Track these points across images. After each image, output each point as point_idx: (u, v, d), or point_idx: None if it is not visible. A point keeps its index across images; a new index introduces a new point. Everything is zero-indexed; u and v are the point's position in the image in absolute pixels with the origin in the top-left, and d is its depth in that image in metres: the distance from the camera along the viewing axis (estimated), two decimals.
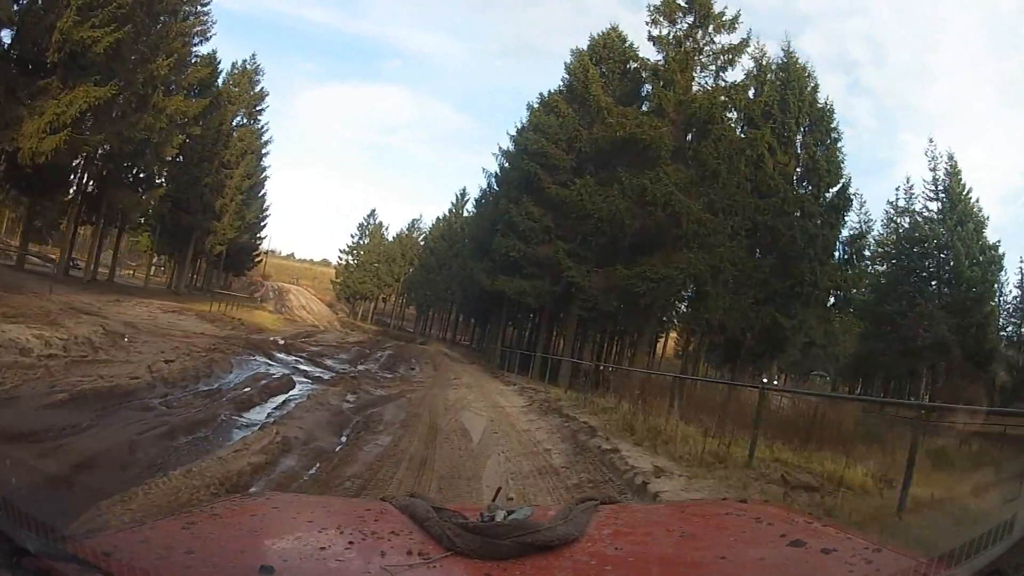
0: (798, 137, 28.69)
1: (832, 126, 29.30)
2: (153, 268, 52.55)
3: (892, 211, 35.47)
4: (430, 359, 32.63)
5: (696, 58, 27.59)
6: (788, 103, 28.11)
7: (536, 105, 32.63)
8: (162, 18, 29.04)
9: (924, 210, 34.30)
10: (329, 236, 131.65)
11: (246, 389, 11.23)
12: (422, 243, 70.02)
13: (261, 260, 63.45)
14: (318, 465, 7.21)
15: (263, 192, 51.40)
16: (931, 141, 36.22)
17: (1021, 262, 35.04)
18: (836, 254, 29.07)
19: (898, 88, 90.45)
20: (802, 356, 30.44)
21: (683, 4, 27.66)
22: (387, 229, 73.45)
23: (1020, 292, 33.99)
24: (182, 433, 7.42)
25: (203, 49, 35.79)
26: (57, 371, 8.90)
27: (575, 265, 27.10)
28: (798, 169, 28.77)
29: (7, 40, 22.86)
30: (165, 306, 25.79)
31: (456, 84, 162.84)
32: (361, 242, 72.30)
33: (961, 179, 33.53)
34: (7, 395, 7.45)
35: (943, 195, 33.48)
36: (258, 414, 9.64)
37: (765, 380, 35.58)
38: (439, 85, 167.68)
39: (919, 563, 1.33)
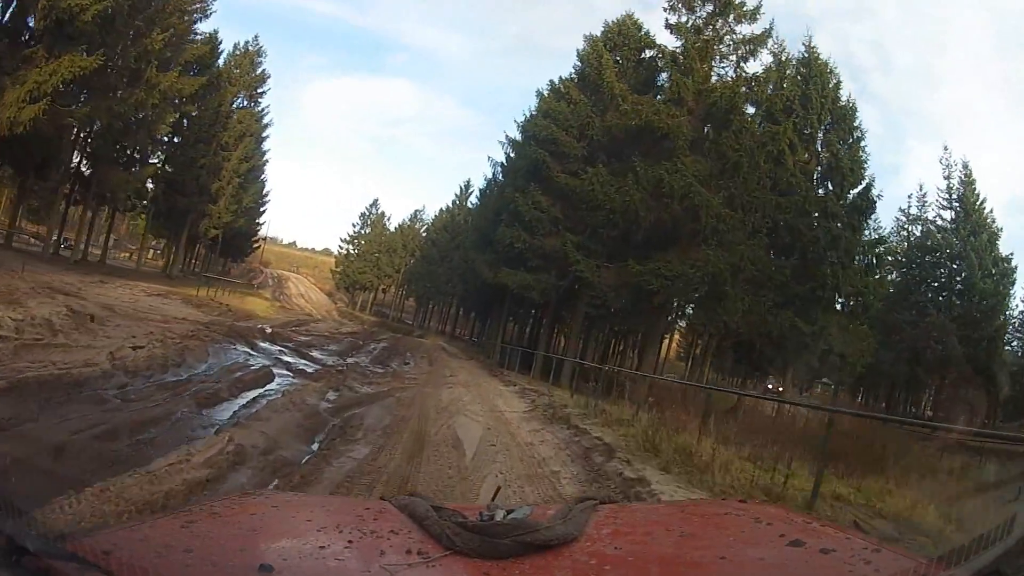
0: (819, 134, 27.92)
1: (855, 124, 28.25)
2: (151, 252, 52.57)
3: (904, 218, 34.92)
4: (426, 353, 31.02)
5: (715, 47, 26.31)
6: (810, 98, 27.24)
7: (546, 92, 31.28)
8: None
9: (937, 218, 33.76)
10: (331, 226, 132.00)
11: (217, 382, 10.23)
12: (424, 234, 69.54)
13: (259, 246, 63.14)
14: (275, 483, 6.19)
15: (263, 177, 51.16)
16: (946, 148, 35.56)
17: None
18: (856, 259, 28.15)
19: (903, 93, 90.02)
20: (820, 364, 29.24)
21: None
22: (389, 219, 73.26)
23: None
24: (125, 434, 6.46)
25: (204, 27, 35.29)
26: (3, 355, 8.07)
27: (584, 259, 25.75)
28: (819, 168, 27.69)
29: None
30: (151, 289, 24.95)
31: (461, 80, 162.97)
32: (362, 231, 72.03)
33: (975, 188, 32.99)
34: None
35: (957, 204, 32.92)
36: (222, 412, 8.58)
37: (770, 387, 35.27)
38: (444, 80, 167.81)
39: (919, 563, 1.33)
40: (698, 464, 8.81)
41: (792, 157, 26.28)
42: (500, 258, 29.83)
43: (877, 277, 28.80)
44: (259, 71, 44.91)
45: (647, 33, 29.11)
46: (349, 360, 19.64)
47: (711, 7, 26.60)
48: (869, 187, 27.92)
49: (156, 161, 34.91)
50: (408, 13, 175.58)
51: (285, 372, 13.49)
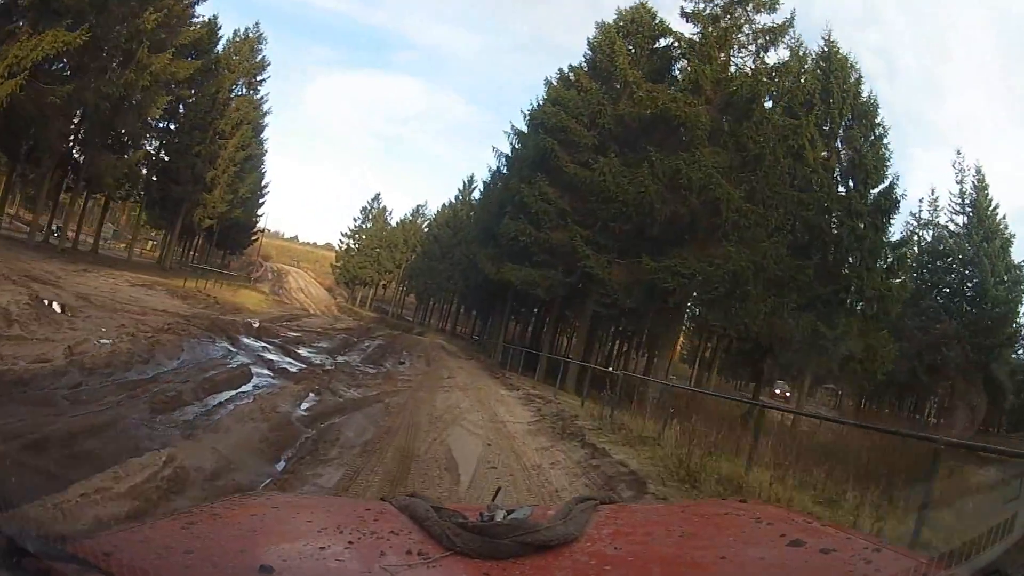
0: (840, 130, 26.45)
1: (876, 121, 26.90)
2: (150, 243, 52.29)
3: (915, 222, 33.83)
4: (423, 352, 29.70)
5: (733, 36, 24.89)
6: (831, 93, 26.01)
7: (555, 81, 29.69)
8: None
9: (950, 223, 32.97)
10: (334, 221, 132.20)
11: (184, 382, 9.22)
12: (426, 230, 68.89)
13: (258, 239, 62.45)
14: None
15: (263, 169, 50.43)
16: (959, 153, 35.15)
17: None
18: (878, 261, 26.82)
19: (909, 99, 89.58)
20: (840, 371, 27.56)
21: None
22: (391, 214, 72.82)
23: None
24: (56, 446, 5.46)
25: (203, 9, 34.62)
26: None
27: (594, 254, 24.18)
28: (840, 164, 26.47)
29: None
30: (137, 279, 24.22)
31: (468, 78, 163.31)
32: (364, 226, 71.59)
33: (988, 193, 32.31)
34: None
35: (969, 209, 32.26)
36: (178, 420, 7.43)
37: (778, 392, 34.26)
38: (451, 78, 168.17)
39: (919, 563, 1.34)
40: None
41: (812, 153, 25.09)
42: (503, 252, 28.58)
43: (899, 280, 27.57)
44: (259, 58, 43.79)
45: (661, 21, 27.65)
46: (339, 359, 18.48)
47: None
48: (892, 186, 26.72)
49: (147, 147, 34.14)
50: (415, 10, 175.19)
51: (265, 372, 12.42)
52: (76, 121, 27.90)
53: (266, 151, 49.79)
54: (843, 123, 26.66)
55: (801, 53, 25.85)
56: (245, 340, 16.20)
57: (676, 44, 26.82)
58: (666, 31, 27.30)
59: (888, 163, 26.68)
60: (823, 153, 26.08)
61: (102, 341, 10.07)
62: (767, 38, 25.22)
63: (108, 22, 24.05)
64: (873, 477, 8.78)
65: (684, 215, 22.85)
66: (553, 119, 27.04)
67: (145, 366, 9.72)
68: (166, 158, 36.16)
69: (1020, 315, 31.12)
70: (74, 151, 29.21)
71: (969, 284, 31.79)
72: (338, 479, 6.65)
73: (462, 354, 34.79)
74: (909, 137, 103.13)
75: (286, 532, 1.61)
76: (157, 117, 33.46)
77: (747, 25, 25.24)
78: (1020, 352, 31.75)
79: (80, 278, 19.47)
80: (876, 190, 26.44)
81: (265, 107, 45.84)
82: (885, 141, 27.19)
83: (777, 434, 13.37)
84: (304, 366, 14.62)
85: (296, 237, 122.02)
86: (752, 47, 25.37)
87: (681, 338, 39.23)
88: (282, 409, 9.29)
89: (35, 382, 7.28)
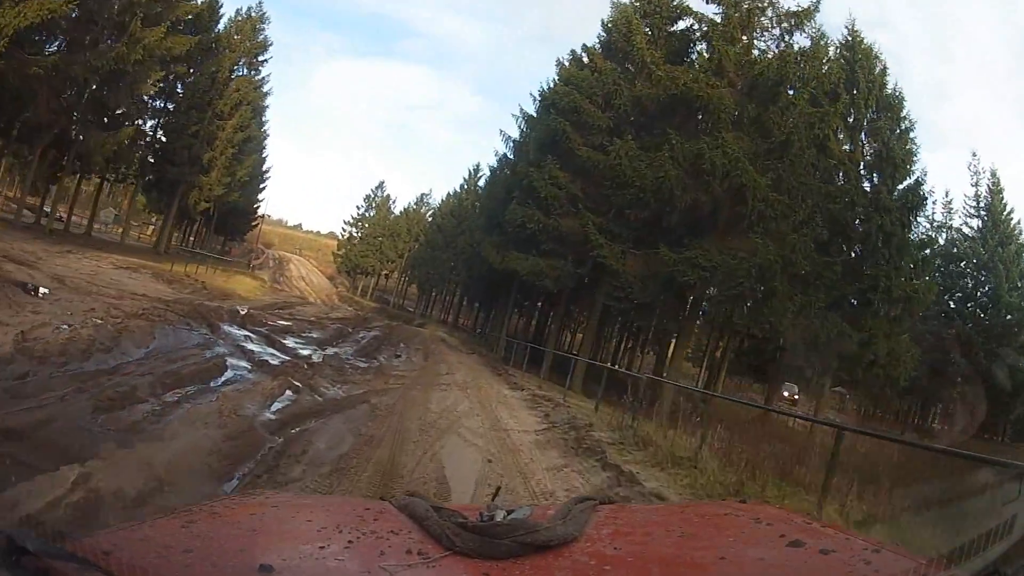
0: (865, 122, 25.48)
1: (902, 114, 25.92)
2: (151, 228, 51.88)
3: (928, 224, 33.27)
4: (422, 344, 28.24)
5: (757, 19, 23.36)
6: (857, 82, 24.93)
7: (567, 62, 28.18)
8: None
9: (964, 226, 32.22)
10: (338, 210, 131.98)
11: (144, 375, 8.29)
12: (430, 219, 68.07)
13: (257, 224, 61.80)
14: None
15: (264, 153, 49.87)
16: (974, 155, 34.46)
17: None
18: (904, 260, 25.83)
19: (915, 101, 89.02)
20: (863, 376, 26.32)
21: None
22: (394, 202, 72.22)
23: None
24: None
25: None
26: None
27: (607, 243, 22.67)
28: (864, 158, 25.43)
29: None
30: (123, 262, 23.24)
31: (477, 68, 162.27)
32: (367, 214, 71.12)
33: (1003, 197, 31.69)
34: None
35: (984, 212, 31.63)
36: (121, 422, 6.39)
37: (786, 395, 33.67)
38: (460, 68, 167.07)
39: (918, 563, 1.34)
40: None
41: (836, 145, 24.10)
42: (509, 240, 27.10)
43: (925, 281, 26.41)
44: (261, 38, 42.41)
45: (681, 1, 25.82)
46: (329, 351, 17.12)
47: None
48: (919, 182, 25.70)
49: (142, 126, 33.38)
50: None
51: (242, 364, 11.32)
52: (67, 97, 26.66)
53: (267, 134, 49.21)
54: (868, 115, 25.76)
55: (823, 43, 24.40)
56: (227, 328, 15.13)
57: (696, 25, 24.94)
58: (686, 11, 25.57)
59: (915, 157, 25.84)
60: (845, 147, 25.27)
61: (62, 327, 9.26)
62: (791, 22, 23.64)
63: None
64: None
65: (706, 203, 21.34)
66: (565, 99, 25.58)
67: (106, 355, 8.82)
68: (163, 138, 35.49)
69: None
70: (71, 130, 28.12)
71: (983, 289, 31.20)
72: None
73: (463, 348, 33.52)
74: (920, 139, 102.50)
75: (286, 531, 1.61)
76: (152, 94, 32.92)
77: (770, 8, 23.73)
78: None
79: (61, 259, 18.62)
80: (902, 186, 25.65)
81: (266, 88, 44.78)
82: (912, 135, 26.10)
83: (819, 448, 10.96)
84: (287, 358, 13.37)
85: (300, 225, 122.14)
86: (776, 31, 23.80)
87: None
88: (247, 411, 8.10)
89: None
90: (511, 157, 33.71)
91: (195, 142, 36.17)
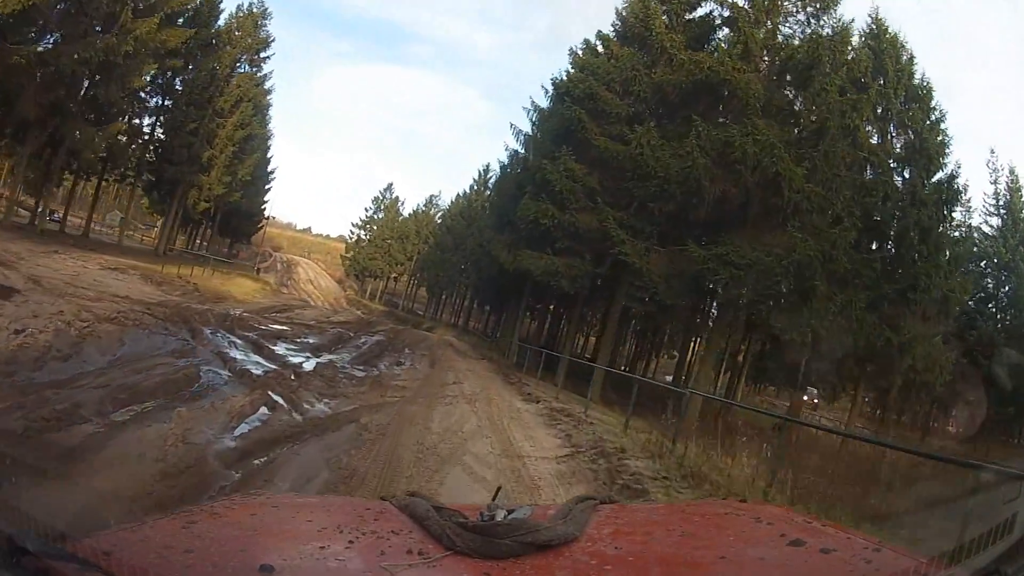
0: (894, 113, 24.35)
1: (932, 104, 24.72)
2: (155, 231, 51.73)
3: (960, 220, 32.26)
4: (428, 350, 26.29)
5: (782, 3, 22.32)
6: (885, 71, 23.70)
7: (580, 51, 26.42)
8: None
9: (983, 224, 30.82)
10: (347, 213, 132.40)
11: (99, 387, 7.42)
12: (439, 221, 67.00)
13: (262, 226, 60.81)
14: None
15: (269, 154, 49.33)
16: (992, 152, 33.89)
17: None
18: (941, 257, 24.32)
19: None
20: (901, 383, 24.88)
21: None
22: (403, 204, 70.77)
23: None
24: None
25: None
26: None
27: (629, 239, 21.05)
28: (896, 149, 24.25)
29: None
30: (113, 263, 22.43)
31: (487, 74, 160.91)
32: (375, 216, 70.33)
33: (1022, 196, 30.49)
34: None
35: (1003, 211, 30.56)
36: (46, 449, 5.51)
37: (806, 398, 30.54)
38: (469, 74, 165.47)
39: (919, 563, 1.34)
40: None
41: (865, 137, 22.67)
42: (521, 239, 25.33)
43: (962, 281, 24.98)
44: (262, 34, 41.71)
45: None
46: (323, 358, 15.74)
47: None
48: (954, 176, 24.35)
49: (139, 123, 33.06)
50: (434, 2, 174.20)
51: (220, 374, 10.23)
52: (56, 91, 25.45)
53: (271, 134, 48.42)
54: (897, 105, 24.63)
55: (847, 31, 23.17)
56: (211, 334, 14.08)
57: (718, 10, 23.73)
58: None
59: (948, 149, 24.62)
60: (873, 139, 23.96)
61: (18, 331, 8.48)
62: (816, 6, 22.54)
63: None
64: None
65: (736, 195, 19.75)
66: (581, 86, 23.81)
67: (63, 364, 8.06)
68: (161, 136, 35.07)
69: None
70: (61, 126, 26.93)
71: (1003, 290, 30.19)
72: None
73: (472, 353, 31.36)
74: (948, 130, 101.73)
75: (286, 531, 1.61)
76: (149, 91, 32.52)
77: None
78: None
79: (45, 260, 17.97)
80: (934, 178, 24.52)
81: (268, 85, 44.21)
82: (943, 126, 24.89)
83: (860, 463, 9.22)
84: (274, 367, 12.14)
85: (309, 228, 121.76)
86: (800, 15, 22.63)
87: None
88: (204, 435, 6.82)
89: None
90: (522, 152, 31.36)
91: (194, 140, 35.46)
